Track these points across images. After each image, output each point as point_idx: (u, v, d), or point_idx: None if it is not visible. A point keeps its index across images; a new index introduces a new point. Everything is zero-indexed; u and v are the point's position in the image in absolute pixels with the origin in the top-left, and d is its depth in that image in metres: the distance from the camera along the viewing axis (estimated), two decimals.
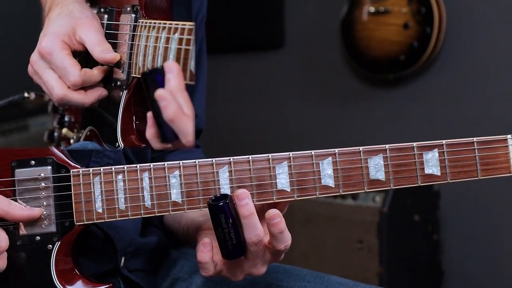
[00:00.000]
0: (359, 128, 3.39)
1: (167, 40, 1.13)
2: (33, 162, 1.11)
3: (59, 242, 1.11)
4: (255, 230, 1.07)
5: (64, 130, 1.39)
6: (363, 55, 3.22)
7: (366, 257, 2.77)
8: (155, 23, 1.17)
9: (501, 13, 2.99)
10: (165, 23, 1.15)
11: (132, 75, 1.21)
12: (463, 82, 3.10)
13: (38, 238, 1.11)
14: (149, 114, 1.11)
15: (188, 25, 1.11)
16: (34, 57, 1.20)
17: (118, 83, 1.23)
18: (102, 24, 1.26)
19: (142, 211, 1.10)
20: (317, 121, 3.53)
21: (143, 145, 1.25)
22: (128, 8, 1.23)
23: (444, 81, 3.14)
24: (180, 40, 1.12)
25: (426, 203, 2.99)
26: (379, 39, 3.13)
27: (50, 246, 1.11)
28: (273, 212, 1.06)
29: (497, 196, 2.97)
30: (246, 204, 1.06)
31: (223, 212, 1.06)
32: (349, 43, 3.26)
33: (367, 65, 3.24)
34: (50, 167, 1.11)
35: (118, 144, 1.22)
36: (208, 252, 1.09)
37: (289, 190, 1.10)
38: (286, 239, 1.08)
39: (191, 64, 1.10)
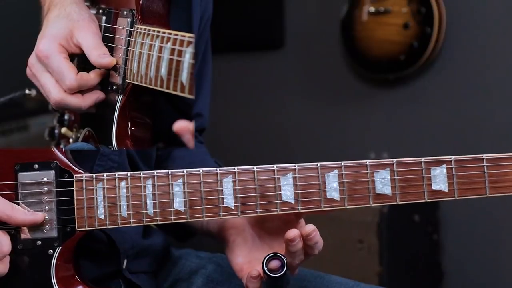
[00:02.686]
0: (359, 128, 3.39)
1: (160, 49, 1.13)
2: (36, 166, 1.11)
3: (60, 248, 1.10)
4: (299, 256, 1.10)
5: (63, 129, 1.39)
6: (363, 55, 3.22)
7: (366, 257, 2.77)
8: (149, 30, 1.16)
9: (501, 13, 2.99)
10: (159, 31, 1.14)
11: (127, 80, 1.20)
12: (463, 82, 3.10)
13: (39, 242, 1.10)
14: None
15: (180, 35, 1.10)
16: (32, 60, 1.20)
17: (114, 87, 1.23)
18: (100, 26, 1.25)
19: (144, 219, 1.09)
20: (317, 121, 3.53)
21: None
22: (125, 12, 1.22)
23: (444, 81, 3.14)
24: (172, 50, 1.11)
25: (426, 203, 2.98)
26: (379, 39, 3.13)
27: (51, 251, 1.10)
28: (309, 229, 1.09)
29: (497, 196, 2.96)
30: (296, 243, 1.09)
31: (282, 279, 1.08)
32: (349, 43, 3.26)
33: (367, 65, 3.24)
34: (54, 172, 1.10)
35: (113, 148, 1.23)
36: (258, 282, 1.10)
37: (293, 202, 1.09)
38: (320, 245, 1.11)
39: (183, 76, 1.09)
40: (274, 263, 1.08)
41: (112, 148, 1.22)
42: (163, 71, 1.12)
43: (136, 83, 1.18)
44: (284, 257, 1.09)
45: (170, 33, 1.12)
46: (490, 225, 3.07)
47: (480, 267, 3.10)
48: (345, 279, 1.31)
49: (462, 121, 3.10)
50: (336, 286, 1.28)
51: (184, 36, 1.10)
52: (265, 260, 1.08)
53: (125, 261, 1.30)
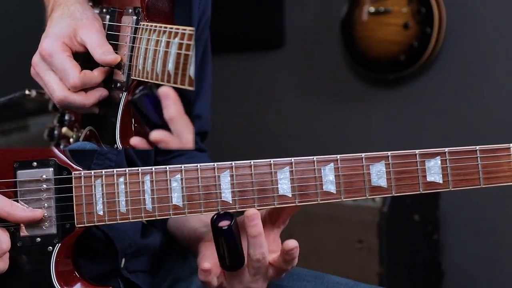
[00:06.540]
0: (359, 128, 3.39)
1: (167, 44, 1.13)
2: (35, 163, 1.11)
3: (60, 244, 1.11)
4: (260, 248, 1.08)
5: (64, 129, 1.39)
6: (363, 55, 3.22)
7: (366, 257, 2.77)
8: (155, 26, 1.16)
9: (501, 13, 2.99)
10: (166, 27, 1.14)
11: (132, 77, 1.21)
12: (463, 82, 3.10)
13: (38, 239, 1.11)
14: None
15: (189, 30, 1.11)
16: (36, 58, 1.21)
17: (118, 84, 1.23)
18: (104, 25, 1.25)
19: (143, 214, 1.10)
20: (317, 121, 3.53)
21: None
22: (130, 10, 1.23)
23: (444, 81, 3.15)
24: (180, 45, 1.11)
25: (426, 203, 2.99)
26: (379, 39, 3.13)
27: (51, 248, 1.11)
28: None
29: (497, 196, 2.97)
30: (256, 224, 1.07)
31: (226, 235, 1.07)
32: (349, 43, 3.26)
33: (367, 65, 3.24)
34: (52, 169, 1.11)
35: (117, 146, 1.23)
36: (208, 275, 1.10)
37: (290, 196, 1.09)
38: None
39: (191, 69, 1.10)
40: (224, 222, 1.08)
41: (116, 146, 1.22)
42: (170, 65, 1.12)
43: (142, 79, 1.18)
44: (231, 214, 1.08)
45: (178, 28, 1.13)
46: (490, 225, 3.07)
47: (480, 267, 3.10)
48: (345, 279, 1.31)
49: (462, 121, 3.10)
50: (336, 286, 1.28)
51: (192, 30, 1.11)
52: (214, 218, 1.08)
53: (123, 260, 1.30)
